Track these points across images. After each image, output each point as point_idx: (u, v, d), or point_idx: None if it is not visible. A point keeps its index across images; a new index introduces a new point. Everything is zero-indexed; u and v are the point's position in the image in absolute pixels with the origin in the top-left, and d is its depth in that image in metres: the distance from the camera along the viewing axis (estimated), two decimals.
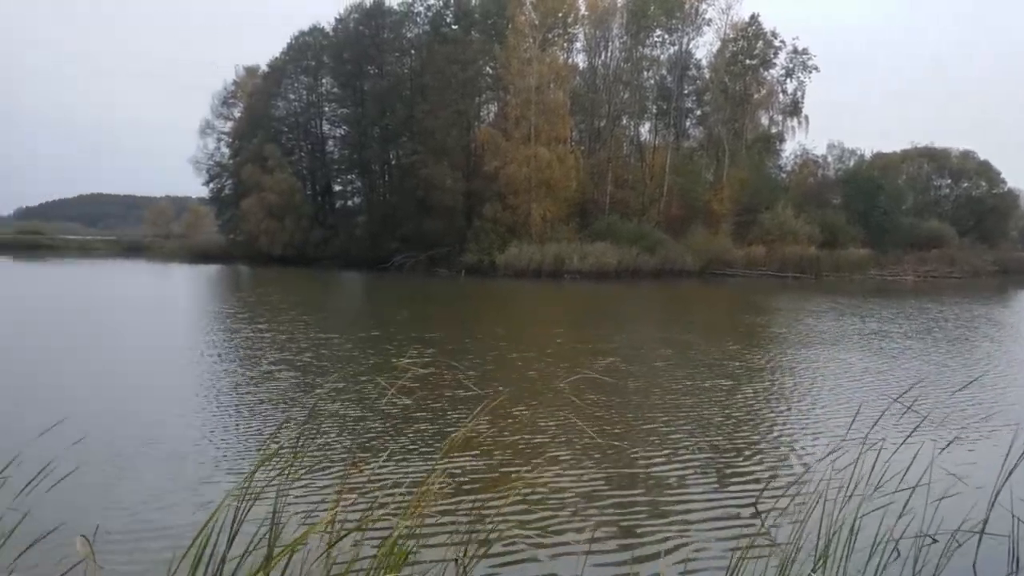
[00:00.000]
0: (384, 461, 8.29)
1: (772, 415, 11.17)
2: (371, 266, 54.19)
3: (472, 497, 7.12)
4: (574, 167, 54.92)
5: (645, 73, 62.65)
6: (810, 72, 64.36)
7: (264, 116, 67.68)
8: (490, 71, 59.44)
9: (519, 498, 7.07)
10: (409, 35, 62.28)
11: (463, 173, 56.77)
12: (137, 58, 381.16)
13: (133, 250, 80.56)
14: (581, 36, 62.08)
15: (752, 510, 6.94)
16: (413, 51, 61.63)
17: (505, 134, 54.59)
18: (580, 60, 63.10)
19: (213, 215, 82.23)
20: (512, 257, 49.88)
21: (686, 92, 64.90)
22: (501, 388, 11.73)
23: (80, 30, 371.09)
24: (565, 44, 60.86)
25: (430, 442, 9.10)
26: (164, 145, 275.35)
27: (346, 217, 65.59)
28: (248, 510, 4.51)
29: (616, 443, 9.22)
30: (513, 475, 7.86)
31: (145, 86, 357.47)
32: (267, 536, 4.55)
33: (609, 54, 62.26)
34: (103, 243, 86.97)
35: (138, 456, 8.48)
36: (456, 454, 8.10)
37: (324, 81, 68.50)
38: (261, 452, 4.72)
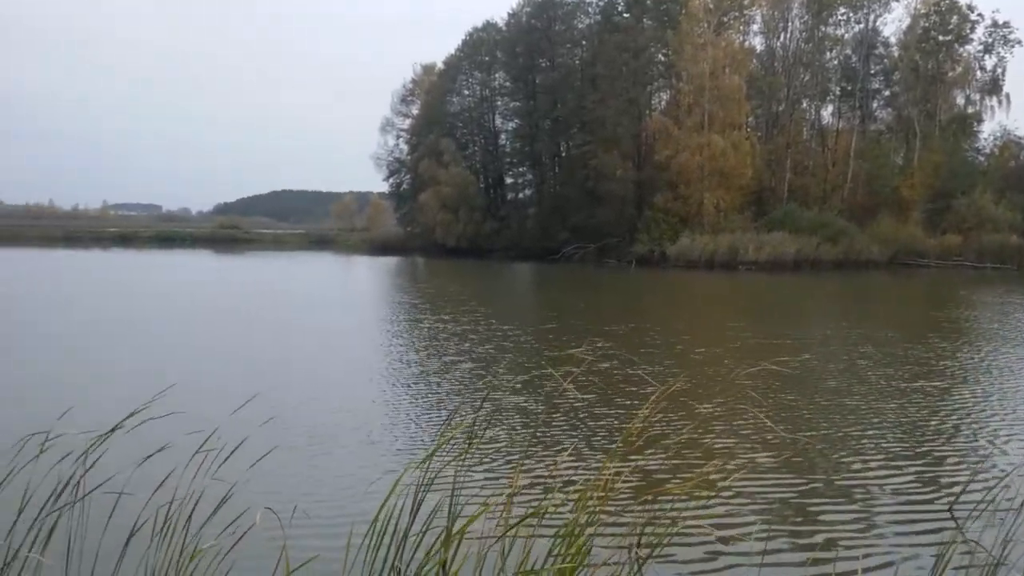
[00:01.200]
0: (558, 450, 8.24)
1: (996, 422, 10.05)
2: (541, 257, 54.60)
3: (648, 492, 6.93)
4: (749, 154, 53.03)
5: (828, 54, 59.65)
6: (1012, 47, 59.13)
7: (440, 112, 69.68)
8: (662, 58, 58.43)
9: (697, 496, 6.80)
10: (580, 26, 62.24)
11: (633, 163, 56.14)
12: (324, 58, 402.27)
13: (320, 243, 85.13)
14: (758, 18, 59.93)
15: (952, 523, 6.36)
16: (584, 42, 61.53)
17: (677, 122, 53.48)
18: (757, 43, 60.96)
19: (392, 209, 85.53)
20: (684, 248, 48.85)
21: (872, 72, 61.21)
22: (679, 382, 11.43)
23: (266, 31, 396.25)
24: (741, 27, 58.89)
25: (605, 433, 8.98)
26: (349, 143, 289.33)
27: (517, 209, 66.46)
28: (426, 492, 4.56)
29: (807, 445, 8.73)
30: (691, 472, 7.59)
31: (332, 86, 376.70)
32: (444, 517, 4.58)
33: (788, 35, 59.76)
34: (293, 236, 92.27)
35: (328, 439, 8.86)
36: (632, 447, 7.92)
37: (497, 76, 69.69)
38: (439, 437, 4.73)
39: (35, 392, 10.99)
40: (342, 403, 10.69)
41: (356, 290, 35.48)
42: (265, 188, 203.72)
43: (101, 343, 16.37)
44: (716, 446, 8.58)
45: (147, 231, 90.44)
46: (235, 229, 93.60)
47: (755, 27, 60.35)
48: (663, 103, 59.93)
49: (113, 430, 3.93)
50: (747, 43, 59.48)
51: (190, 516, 3.91)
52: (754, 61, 58.92)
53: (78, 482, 3.82)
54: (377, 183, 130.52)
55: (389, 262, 56.44)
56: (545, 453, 8.21)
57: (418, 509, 4.53)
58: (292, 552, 4.24)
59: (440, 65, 73.88)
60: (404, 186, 75.42)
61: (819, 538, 6.12)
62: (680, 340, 16.94)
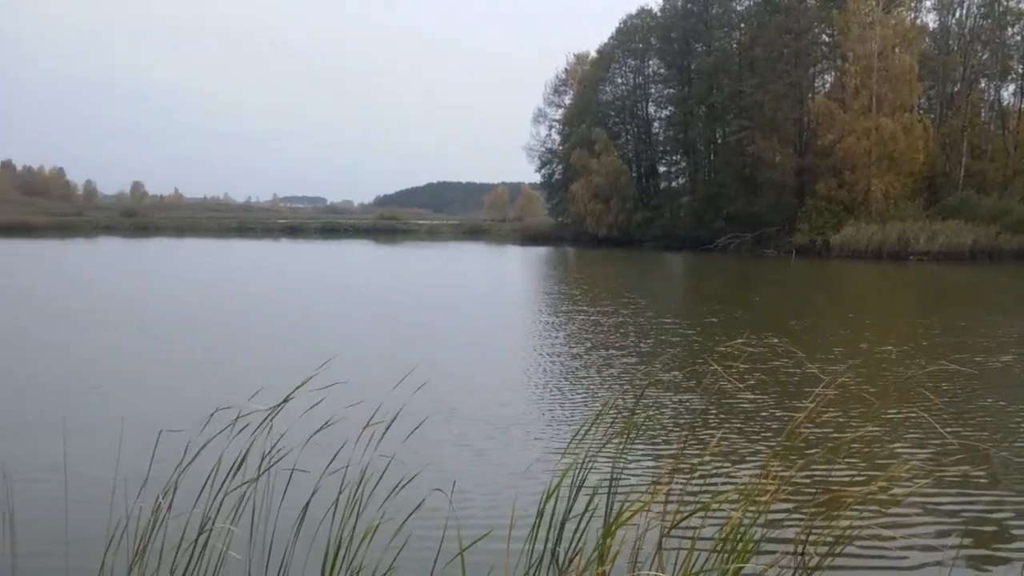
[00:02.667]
0: (721, 447, 8.01)
1: None
2: (694, 247, 53.42)
3: (815, 495, 6.62)
4: (921, 138, 49.82)
5: (1009, 29, 55.15)
6: None
7: (592, 101, 69.48)
8: (826, 39, 55.91)
9: (870, 502, 6.42)
10: (738, 8, 60.36)
11: (794, 148, 54.03)
12: (478, 52, 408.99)
13: (473, 233, 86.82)
14: None
15: None
16: (742, 24, 59.66)
17: (842, 105, 50.98)
18: (930, 20, 57.14)
19: (543, 199, 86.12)
20: (848, 237, 46.51)
21: None
22: (843, 377, 10.88)
23: (422, 26, 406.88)
24: (913, 3, 55.37)
25: (770, 433, 8.67)
26: (503, 134, 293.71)
27: (670, 198, 65.37)
28: (583, 482, 4.52)
29: (992, 453, 8.09)
30: (861, 476, 7.20)
31: (487, 79, 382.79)
32: (602, 507, 4.53)
33: (965, 11, 55.63)
34: (448, 227, 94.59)
35: (488, 423, 9.00)
36: (798, 446, 7.58)
37: (651, 63, 68.73)
38: (595, 425, 4.69)
39: (229, 372, 11.73)
40: (501, 389, 10.84)
41: (509, 279, 35.92)
42: (422, 180, 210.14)
43: (281, 329, 17.30)
44: (889, 450, 8.09)
45: (313, 222, 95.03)
46: (394, 220, 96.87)
47: (928, 3, 56.63)
48: (827, 85, 57.32)
49: (282, 403, 4.09)
50: (919, 20, 55.91)
51: (358, 491, 4.02)
52: (926, 39, 55.29)
53: (261, 455, 4.00)
54: (529, 173, 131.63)
55: (540, 252, 56.80)
56: (706, 449, 7.99)
57: (575, 498, 4.51)
58: (457, 532, 4.31)
59: (593, 54, 73.65)
60: (556, 176, 75.73)
61: (1010, 559, 5.64)
62: (853, 336, 16.07)
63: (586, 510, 4.55)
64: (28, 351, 13.99)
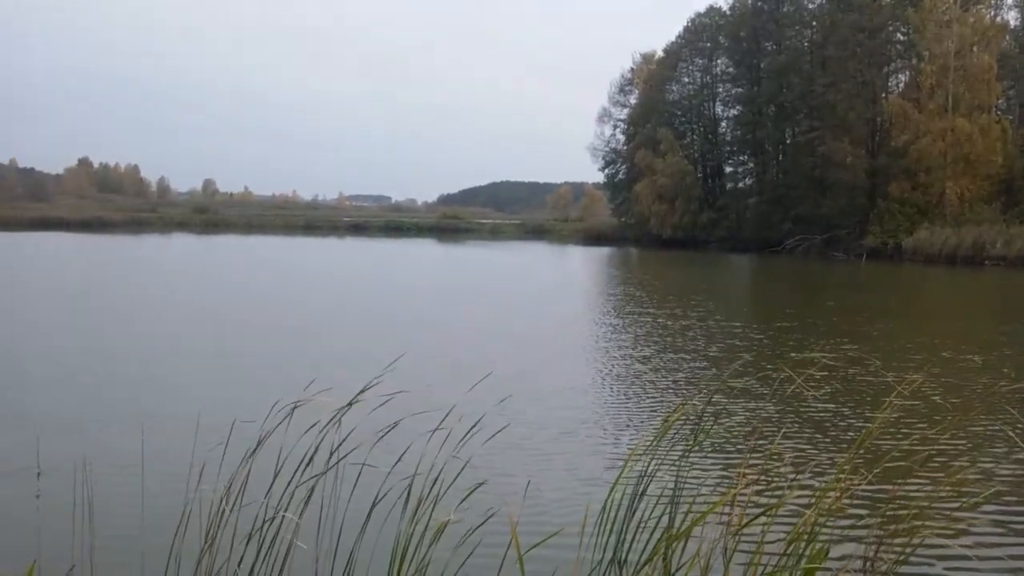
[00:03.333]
0: (789, 453, 7.83)
1: None
2: (760, 249, 52.51)
3: (887, 499, 6.42)
4: (1000, 139, 48.16)
5: None
6: None
7: (658, 101, 68.90)
8: (901, 37, 54.49)
9: (941, 513, 6.20)
10: (810, 6, 59.20)
11: (866, 149, 52.80)
12: (542, 51, 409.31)
13: (535, 232, 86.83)
14: None
15: None
16: (814, 22, 58.47)
17: (917, 105, 49.55)
18: (1011, 17, 55.23)
19: (607, 199, 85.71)
20: (922, 241, 45.18)
21: None
22: (927, 387, 10.55)
23: (486, 25, 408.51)
24: (993, 1, 53.59)
25: (841, 438, 8.46)
26: (567, 134, 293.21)
27: (736, 199, 64.46)
28: (648, 487, 4.45)
29: None
30: (934, 486, 6.95)
31: (550, 78, 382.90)
32: (667, 510, 4.45)
33: None
34: (509, 226, 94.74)
35: (553, 424, 8.96)
36: (870, 454, 7.36)
37: (719, 62, 67.92)
38: (662, 428, 4.62)
39: (304, 366, 11.91)
40: (567, 391, 10.77)
41: (573, 280, 35.82)
42: (485, 179, 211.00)
43: (351, 322, 17.53)
44: (968, 464, 7.79)
45: (378, 220, 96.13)
46: (456, 219, 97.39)
47: (1009, 1, 54.73)
48: (901, 85, 55.85)
49: (353, 401, 4.11)
50: (999, 18, 54.08)
51: (428, 490, 4.02)
52: (1007, 38, 53.43)
53: (329, 450, 4.02)
54: (592, 173, 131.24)
55: (602, 252, 56.52)
56: (774, 455, 7.82)
57: (640, 503, 4.45)
58: (523, 535, 4.27)
59: (660, 53, 73.00)
60: (619, 176, 75.35)
61: None
62: (933, 344, 15.53)
63: (652, 515, 4.48)
64: (113, 342, 14.43)
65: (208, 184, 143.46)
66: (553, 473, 7.23)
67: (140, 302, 20.94)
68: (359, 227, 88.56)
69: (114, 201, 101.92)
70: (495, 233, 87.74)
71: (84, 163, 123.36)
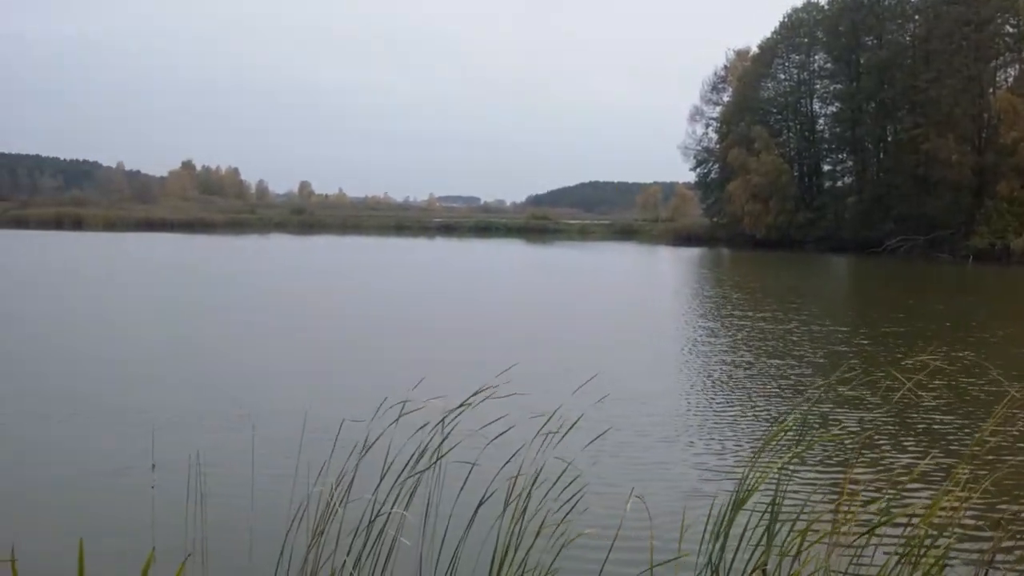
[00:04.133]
0: (896, 459, 7.57)
1: None
2: (860, 250, 50.79)
3: (1004, 508, 6.13)
4: None
5: None
6: None
7: (752, 98, 67.45)
8: (1010, 29, 51.92)
9: None
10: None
11: (972, 146, 50.56)
12: (631, 48, 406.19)
13: (624, 233, 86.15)
14: None
15: None
16: (917, 16, 56.31)
17: None
18: None
19: (698, 199, 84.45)
20: None
21: None
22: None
23: (574, 24, 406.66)
24: None
25: (950, 445, 8.13)
26: (657, 133, 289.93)
27: (835, 198, 62.58)
28: (749, 497, 4.36)
29: None
30: None
31: (639, 77, 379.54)
32: (775, 522, 4.34)
33: None
34: (598, 227, 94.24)
35: (653, 430, 8.90)
36: (985, 462, 7.05)
37: (816, 57, 66.02)
38: (767, 438, 4.51)
39: (413, 366, 12.12)
40: (665, 397, 10.64)
41: (665, 281, 35.42)
42: (573, 180, 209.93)
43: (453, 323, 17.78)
44: None
45: (467, 221, 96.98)
46: (545, 220, 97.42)
47: None
48: (1010, 79, 53.22)
49: (460, 407, 4.16)
50: None
51: (529, 491, 4.03)
52: None
53: (434, 450, 4.08)
54: (683, 173, 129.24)
55: (694, 253, 55.69)
56: (883, 466, 7.57)
57: (741, 513, 4.36)
58: (621, 542, 4.25)
59: (755, 50, 71.46)
60: (712, 175, 74.11)
61: None
62: None
63: (754, 528, 4.38)
64: (230, 341, 14.98)
65: (304, 186, 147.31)
66: (654, 481, 7.13)
67: (254, 300, 21.66)
68: (449, 228, 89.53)
69: (215, 203, 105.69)
70: (583, 234, 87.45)
71: (187, 166, 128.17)
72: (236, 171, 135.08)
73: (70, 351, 13.46)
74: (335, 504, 4.02)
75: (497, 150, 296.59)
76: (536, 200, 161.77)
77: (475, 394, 4.15)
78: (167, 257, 40.16)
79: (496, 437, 4.22)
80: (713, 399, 10.77)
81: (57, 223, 72.79)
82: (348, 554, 4.03)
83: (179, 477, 6.15)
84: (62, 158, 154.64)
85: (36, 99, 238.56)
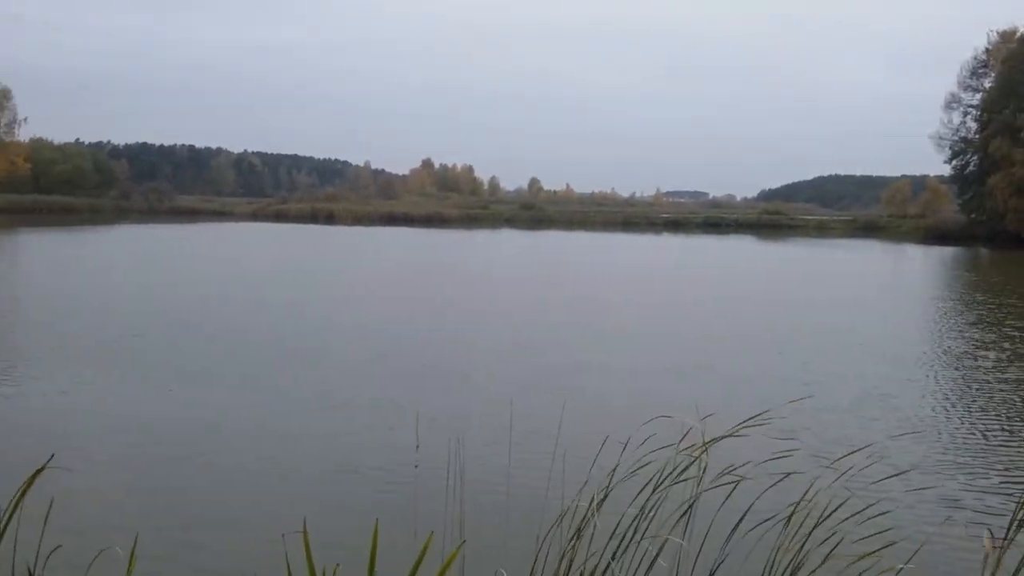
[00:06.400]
0: None
1: None
2: None
3: None
4: None
5: None
6: None
7: (1019, 83, 61.03)
8: None
9: None
10: None
11: None
12: (874, 33, 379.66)
13: (866, 229, 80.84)
14: None
15: None
16: None
17: None
18: None
19: (952, 194, 77.80)
20: None
21: None
22: None
23: (817, 11, 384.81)
24: None
25: None
26: (903, 124, 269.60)
27: None
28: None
29: None
30: None
31: (882, 63, 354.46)
32: None
33: None
34: (837, 223, 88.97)
35: (952, 466, 8.23)
36: None
37: None
38: None
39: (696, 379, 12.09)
40: (930, 420, 9.81)
41: (917, 283, 32.86)
42: (809, 173, 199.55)
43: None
44: None
45: (695, 217, 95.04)
46: (778, 215, 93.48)
47: None
48: None
49: (737, 427, 3.99)
50: None
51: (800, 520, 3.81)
52: None
53: (700, 466, 3.94)
54: (935, 165, 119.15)
55: (946, 252, 51.22)
56: None
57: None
58: None
59: (1022, 30, 64.56)
60: (970, 168, 67.91)
61: None
62: None
63: None
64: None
65: (533, 182, 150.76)
66: (956, 526, 6.52)
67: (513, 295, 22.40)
68: (676, 223, 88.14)
69: (451, 198, 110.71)
70: (821, 230, 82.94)
71: (426, 164, 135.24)
72: (470, 168, 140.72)
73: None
74: (592, 510, 3.99)
75: (725, 143, 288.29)
76: (768, 195, 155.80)
77: (755, 418, 3.94)
78: (456, 256, 42.33)
79: (773, 458, 4.01)
80: (990, 429, 9.67)
81: (312, 217, 79.31)
82: (601, 557, 3.99)
83: (440, 458, 6.43)
84: (316, 157, 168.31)
85: (294, 104, 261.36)
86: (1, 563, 3.38)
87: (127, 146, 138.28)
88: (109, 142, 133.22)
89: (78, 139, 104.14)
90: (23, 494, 3.40)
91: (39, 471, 3.44)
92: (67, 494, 6.50)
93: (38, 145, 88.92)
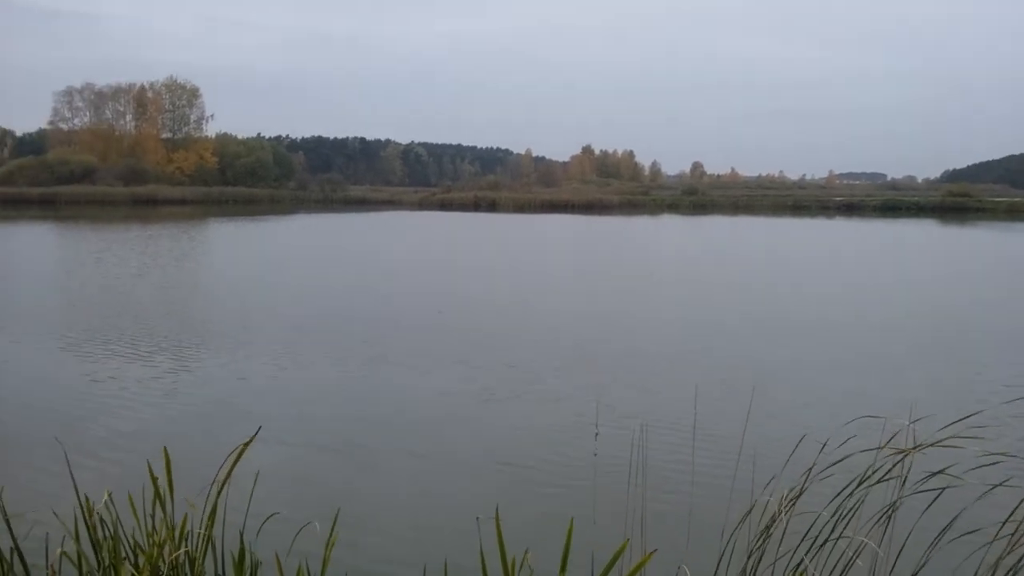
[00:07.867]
0: None
1: None
2: None
3: None
4: None
5: None
6: None
7: None
8: None
9: None
10: None
11: None
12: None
13: None
14: None
15: None
16: None
17: None
18: None
19: None
20: None
21: None
22: None
23: None
24: None
25: None
26: None
27: None
28: None
29: None
30: None
31: None
32: None
33: None
34: None
35: None
36: None
37: None
38: None
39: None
40: None
41: None
42: (1000, 152, 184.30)
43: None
44: None
45: (872, 200, 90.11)
46: (965, 197, 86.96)
47: None
48: None
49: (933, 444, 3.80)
50: None
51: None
52: None
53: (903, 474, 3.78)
54: None
55: None
56: None
57: None
58: None
59: None
60: None
61: None
62: None
63: None
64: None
65: (696, 167, 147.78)
66: None
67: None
68: (851, 207, 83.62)
69: (612, 184, 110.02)
70: (1012, 214, 76.64)
71: (587, 150, 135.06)
72: (631, 154, 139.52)
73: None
74: (782, 512, 3.89)
75: (907, 122, 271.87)
76: (953, 175, 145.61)
77: (964, 420, 3.73)
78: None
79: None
80: None
81: (475, 205, 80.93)
82: (790, 558, 3.89)
83: (622, 447, 6.44)
84: (479, 146, 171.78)
85: (457, 95, 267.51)
86: (215, 527, 3.66)
87: (304, 139, 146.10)
88: (287, 136, 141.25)
89: (259, 133, 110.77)
90: (234, 464, 3.69)
91: (247, 444, 3.72)
92: (272, 467, 6.99)
93: (224, 140, 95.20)
